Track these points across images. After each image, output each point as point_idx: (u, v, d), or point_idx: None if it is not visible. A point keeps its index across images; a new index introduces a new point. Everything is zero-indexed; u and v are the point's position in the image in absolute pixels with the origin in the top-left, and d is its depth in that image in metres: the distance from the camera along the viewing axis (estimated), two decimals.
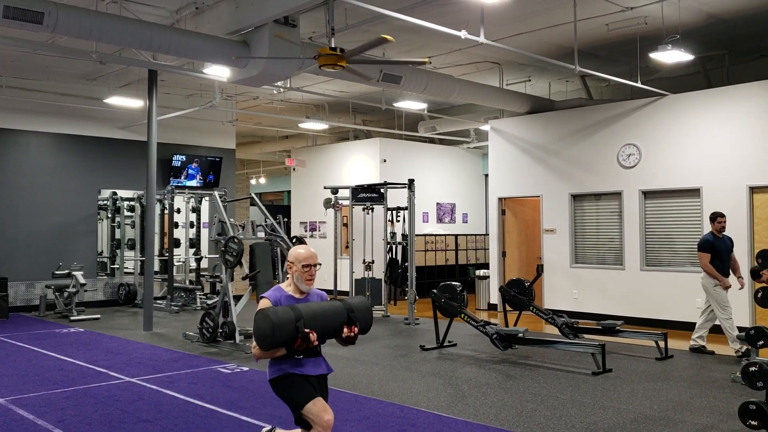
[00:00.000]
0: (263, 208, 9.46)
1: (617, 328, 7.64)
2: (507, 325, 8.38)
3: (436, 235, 14.95)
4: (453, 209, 15.76)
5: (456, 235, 15.44)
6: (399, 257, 11.64)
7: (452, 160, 15.89)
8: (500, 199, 12.11)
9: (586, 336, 7.94)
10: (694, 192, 9.54)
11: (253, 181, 22.75)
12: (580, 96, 12.23)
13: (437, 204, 15.37)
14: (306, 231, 15.81)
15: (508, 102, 11.25)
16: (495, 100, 11.01)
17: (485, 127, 12.99)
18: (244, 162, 21.65)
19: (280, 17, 7.39)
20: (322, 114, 14.99)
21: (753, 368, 4.36)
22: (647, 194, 10.10)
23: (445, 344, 8.17)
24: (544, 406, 5.50)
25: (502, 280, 11.77)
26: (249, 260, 8.80)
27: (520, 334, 7.25)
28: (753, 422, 4.29)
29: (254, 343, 3.24)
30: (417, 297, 10.67)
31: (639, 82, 9.54)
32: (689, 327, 9.35)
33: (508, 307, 8.53)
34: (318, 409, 3.32)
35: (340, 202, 11.83)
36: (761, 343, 4.41)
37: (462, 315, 7.75)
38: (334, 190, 11.76)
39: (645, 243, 10.10)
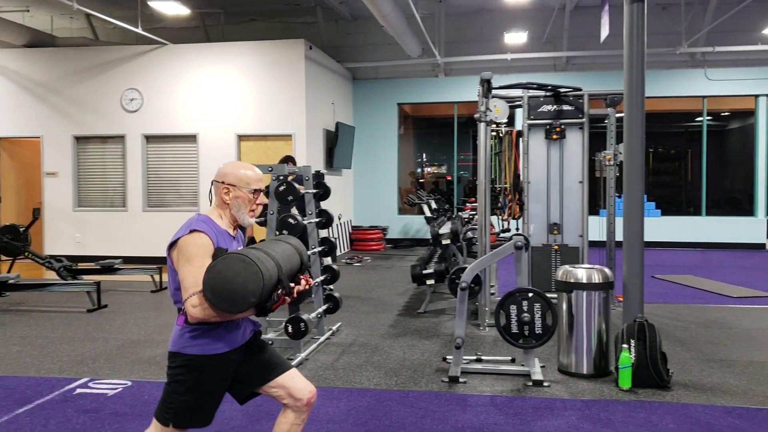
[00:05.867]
0: None
1: (116, 266, 7.96)
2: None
3: None
4: None
5: None
6: None
7: None
8: None
9: (85, 277, 8.01)
10: (192, 138, 10.42)
11: None
12: (85, 36, 11.81)
13: None
14: None
15: (1, 32, 10.11)
16: None
17: None
18: None
19: None
20: None
21: None
22: (149, 138, 10.55)
23: None
24: (32, 346, 5.46)
25: None
26: None
27: (11, 281, 6.99)
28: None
29: (197, 299, 2.23)
30: None
31: (140, 28, 9.79)
32: None
33: (4, 257, 8.14)
34: None
35: None
36: None
37: None
38: None
39: (147, 185, 10.59)
